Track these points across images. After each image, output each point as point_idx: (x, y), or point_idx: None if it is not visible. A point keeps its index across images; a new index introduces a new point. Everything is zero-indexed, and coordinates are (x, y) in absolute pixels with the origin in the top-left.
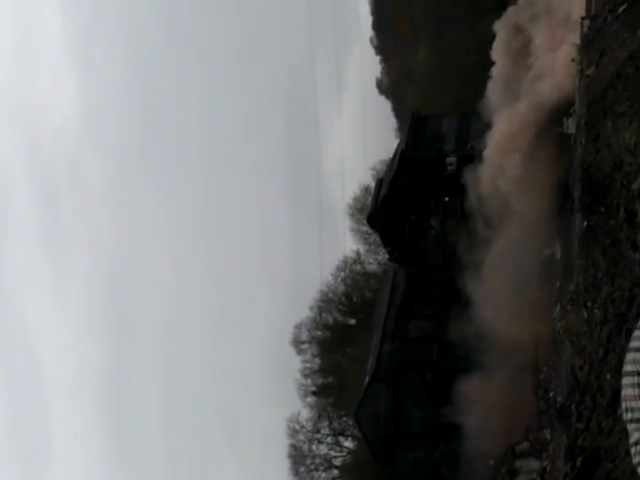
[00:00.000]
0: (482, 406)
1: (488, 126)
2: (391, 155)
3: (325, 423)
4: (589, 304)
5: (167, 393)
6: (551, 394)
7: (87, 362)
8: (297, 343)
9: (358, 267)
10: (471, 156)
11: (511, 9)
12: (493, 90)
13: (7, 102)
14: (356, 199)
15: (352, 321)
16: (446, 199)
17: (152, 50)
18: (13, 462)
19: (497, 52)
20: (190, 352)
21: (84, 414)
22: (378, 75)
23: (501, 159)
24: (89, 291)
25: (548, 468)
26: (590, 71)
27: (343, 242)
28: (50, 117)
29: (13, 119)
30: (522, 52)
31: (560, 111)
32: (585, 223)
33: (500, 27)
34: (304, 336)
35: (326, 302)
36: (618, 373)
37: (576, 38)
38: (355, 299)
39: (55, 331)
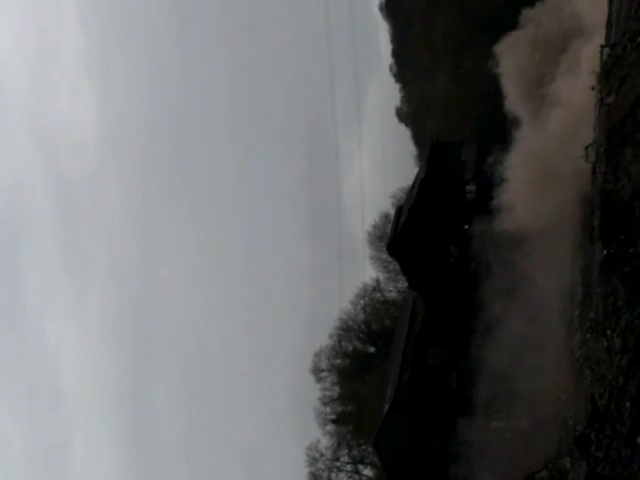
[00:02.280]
0: (502, 434)
1: (507, 153)
2: (411, 183)
3: (344, 451)
4: (609, 332)
5: (186, 416)
6: (570, 422)
7: (106, 379)
8: (317, 371)
9: (378, 295)
10: (491, 184)
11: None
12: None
13: (28, 119)
14: (376, 227)
15: (371, 349)
16: (466, 227)
17: (171, 69)
18: (33, 478)
19: (509, 80)
20: (210, 377)
21: (103, 431)
22: (398, 103)
23: (521, 186)
24: (109, 308)
25: None
26: (610, 99)
27: (363, 270)
28: (70, 134)
29: (33, 136)
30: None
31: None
32: (605, 251)
33: (508, 52)
34: (323, 364)
35: (345, 330)
36: (638, 401)
37: (595, 66)
38: (374, 327)
39: (74, 347)
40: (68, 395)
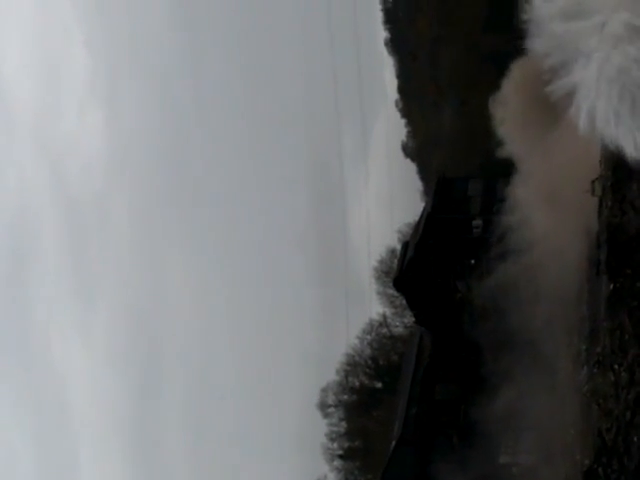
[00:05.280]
0: (509, 469)
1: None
2: (417, 218)
3: None
4: (616, 367)
5: (193, 441)
6: (578, 457)
7: (114, 396)
8: (324, 406)
9: (384, 330)
10: (497, 219)
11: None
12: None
13: (34, 137)
14: (382, 262)
15: (378, 384)
16: (472, 262)
17: (178, 88)
18: None
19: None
20: (216, 408)
21: (111, 447)
22: (404, 138)
23: (527, 219)
24: (116, 325)
25: None
26: None
27: (369, 305)
28: (77, 153)
29: (40, 156)
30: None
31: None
32: (611, 285)
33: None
34: (330, 399)
35: (352, 365)
36: None
37: None
38: (381, 362)
39: (81, 367)
40: (75, 412)
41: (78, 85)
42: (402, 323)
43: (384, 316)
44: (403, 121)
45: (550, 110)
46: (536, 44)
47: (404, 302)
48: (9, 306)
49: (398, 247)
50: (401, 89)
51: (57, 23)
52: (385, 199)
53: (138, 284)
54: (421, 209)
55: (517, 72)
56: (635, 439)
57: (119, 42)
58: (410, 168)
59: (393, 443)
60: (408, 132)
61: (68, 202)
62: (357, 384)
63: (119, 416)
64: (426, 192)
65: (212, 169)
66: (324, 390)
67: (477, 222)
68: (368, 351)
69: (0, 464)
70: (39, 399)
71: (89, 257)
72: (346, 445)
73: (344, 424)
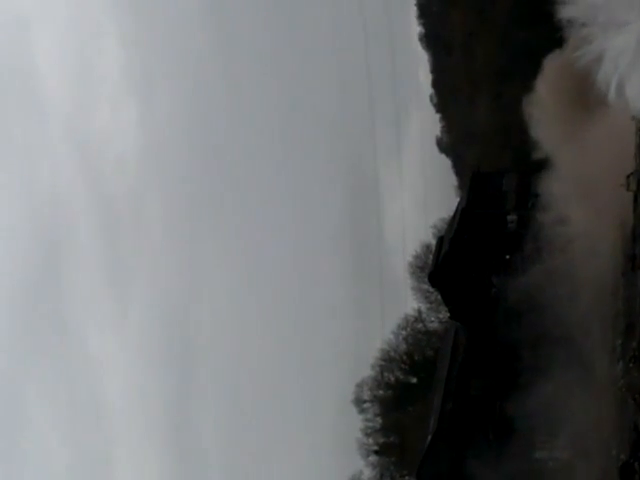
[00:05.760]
0: (545, 464)
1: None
2: (452, 213)
3: None
4: None
5: (228, 436)
6: (614, 452)
7: (149, 391)
8: (359, 402)
9: (419, 325)
10: (532, 214)
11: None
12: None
13: (69, 133)
14: (417, 257)
15: (414, 380)
16: (507, 257)
17: (212, 83)
18: None
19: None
20: (251, 405)
21: (147, 443)
22: (438, 133)
23: (562, 215)
24: (151, 321)
25: None
26: None
27: (404, 301)
28: (111, 148)
29: (75, 150)
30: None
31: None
32: None
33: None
34: (366, 395)
35: (388, 361)
36: None
37: None
38: (417, 357)
39: (117, 362)
40: (111, 408)
41: (112, 79)
42: (437, 318)
43: (419, 311)
44: (438, 116)
45: (584, 106)
46: (571, 12)
47: (439, 297)
48: (45, 300)
49: (433, 242)
50: (435, 84)
51: (91, 17)
52: (420, 194)
53: (172, 277)
54: (456, 204)
55: (550, 67)
56: None
57: (153, 36)
58: (445, 163)
59: (429, 438)
60: (442, 127)
61: (102, 196)
62: (392, 379)
63: (155, 410)
64: (461, 187)
65: (246, 164)
66: (359, 386)
67: (512, 217)
68: (403, 346)
69: (35, 460)
70: (75, 396)
71: (124, 250)
72: (381, 441)
73: (379, 419)
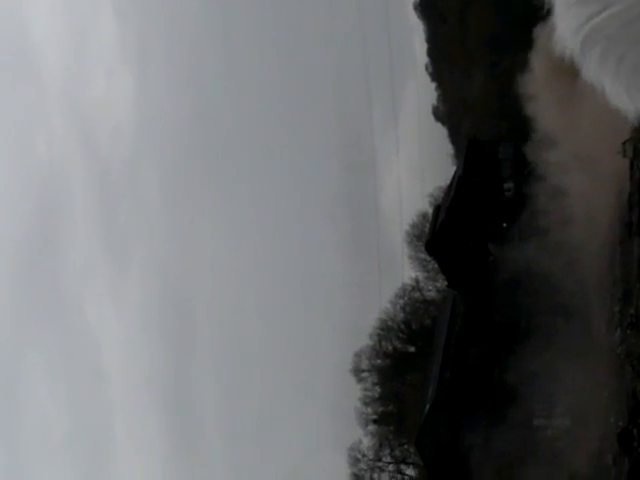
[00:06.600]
0: (544, 431)
1: (543, 152)
2: (448, 182)
3: (386, 451)
4: None
5: (227, 408)
6: (612, 419)
7: (147, 361)
8: (357, 371)
9: (417, 294)
10: (528, 182)
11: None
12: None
13: (65, 103)
14: (414, 226)
15: (412, 349)
16: (504, 225)
17: (206, 53)
18: (76, 462)
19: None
20: (250, 375)
21: (145, 413)
22: (434, 102)
23: (558, 182)
24: (148, 290)
25: None
26: None
27: (402, 269)
28: (107, 117)
29: (71, 119)
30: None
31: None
32: None
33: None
34: (364, 364)
35: (385, 330)
36: None
37: None
38: (414, 326)
39: (115, 330)
40: (110, 377)
41: (106, 50)
42: (435, 287)
43: (417, 280)
44: (433, 85)
45: (578, 75)
46: None
47: (436, 266)
48: (42, 271)
49: (430, 211)
50: (431, 53)
51: None
52: (416, 163)
53: (169, 247)
54: (452, 173)
55: (541, 37)
56: None
57: (147, 7)
58: (441, 132)
59: (427, 407)
60: (438, 96)
61: (98, 166)
62: (390, 349)
63: (152, 379)
64: (457, 156)
65: (242, 135)
66: (357, 355)
67: (508, 185)
68: (401, 315)
69: (35, 431)
70: (73, 365)
71: (120, 221)
72: (380, 409)
73: (378, 389)
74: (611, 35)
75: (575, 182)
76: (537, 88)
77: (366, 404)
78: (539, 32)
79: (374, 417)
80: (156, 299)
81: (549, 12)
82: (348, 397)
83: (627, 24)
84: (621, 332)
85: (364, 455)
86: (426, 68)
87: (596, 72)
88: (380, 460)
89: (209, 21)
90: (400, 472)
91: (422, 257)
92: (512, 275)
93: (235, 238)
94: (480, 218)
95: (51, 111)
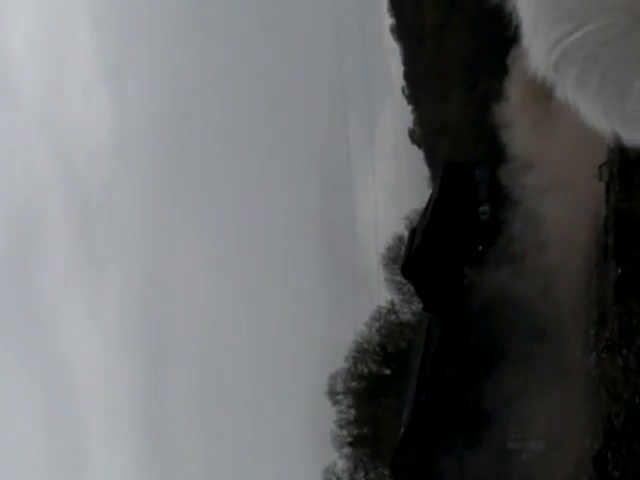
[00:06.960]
0: (518, 455)
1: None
2: (424, 205)
3: (361, 474)
4: (624, 351)
5: (201, 426)
6: (587, 442)
7: (122, 380)
8: (332, 394)
9: (392, 317)
10: (504, 205)
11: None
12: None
13: (41, 121)
14: (390, 249)
15: (387, 371)
16: (480, 248)
17: (185, 70)
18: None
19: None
20: (225, 396)
21: (119, 432)
22: (410, 125)
23: (534, 206)
24: (124, 309)
25: None
26: None
27: (377, 292)
28: (84, 136)
29: (47, 138)
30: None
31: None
32: (619, 270)
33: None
34: (339, 387)
35: (361, 353)
36: None
37: None
38: (390, 349)
39: (90, 348)
40: (84, 396)
41: (85, 67)
42: (410, 310)
43: (392, 303)
44: (410, 108)
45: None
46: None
47: (412, 289)
48: (17, 290)
49: (406, 234)
50: (407, 76)
51: (62, 5)
52: (392, 186)
53: (146, 267)
54: (428, 196)
55: (515, 63)
56: None
57: (125, 25)
58: (417, 155)
59: (402, 430)
60: (415, 119)
61: (75, 185)
62: (366, 371)
63: (128, 398)
64: (433, 179)
65: (219, 155)
66: (333, 377)
67: (484, 208)
68: (376, 338)
69: (10, 448)
70: (48, 383)
71: (97, 240)
72: (355, 432)
73: (353, 411)
74: (590, 55)
75: (551, 205)
76: (513, 114)
77: (341, 426)
78: (514, 55)
79: (349, 440)
80: (132, 317)
81: (517, 31)
82: (323, 419)
83: (606, 43)
84: (596, 355)
85: (339, 478)
86: (402, 91)
87: (573, 93)
88: None
89: (188, 38)
90: None
91: (398, 280)
92: (488, 298)
93: (211, 258)
94: (456, 241)
95: (27, 128)
